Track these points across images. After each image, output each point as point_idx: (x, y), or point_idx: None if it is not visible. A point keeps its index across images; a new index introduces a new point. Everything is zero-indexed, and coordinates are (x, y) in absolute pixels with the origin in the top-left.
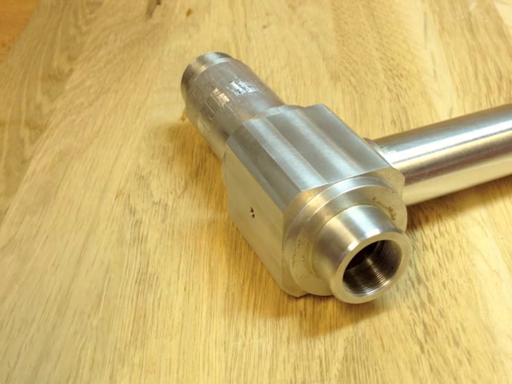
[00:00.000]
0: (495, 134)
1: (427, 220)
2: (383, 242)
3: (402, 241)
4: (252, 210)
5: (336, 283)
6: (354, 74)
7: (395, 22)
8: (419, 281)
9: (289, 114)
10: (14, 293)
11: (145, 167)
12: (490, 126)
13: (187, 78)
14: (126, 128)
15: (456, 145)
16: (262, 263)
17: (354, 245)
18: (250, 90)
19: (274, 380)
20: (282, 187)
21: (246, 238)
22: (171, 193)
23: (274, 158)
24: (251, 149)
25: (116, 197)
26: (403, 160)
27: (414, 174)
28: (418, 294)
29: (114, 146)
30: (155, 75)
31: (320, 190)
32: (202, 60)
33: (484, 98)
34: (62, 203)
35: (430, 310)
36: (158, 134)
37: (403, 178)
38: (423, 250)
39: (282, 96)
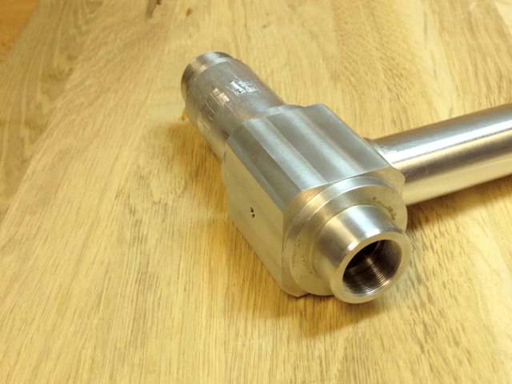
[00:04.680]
0: (495, 133)
1: (427, 220)
2: (383, 241)
3: (402, 240)
4: (252, 210)
5: (336, 283)
6: (353, 74)
7: (395, 22)
8: (419, 281)
9: (289, 113)
10: (14, 292)
11: (145, 167)
12: (489, 126)
13: (187, 78)
14: (126, 128)
15: (456, 145)
16: (262, 263)
17: (354, 245)
18: (250, 90)
19: (273, 380)
20: (281, 187)
21: (245, 237)
22: (171, 193)
23: (274, 157)
24: (251, 148)
25: (116, 197)
26: (403, 160)
27: (414, 174)
28: (418, 293)
29: (114, 145)
30: (155, 75)
31: (320, 189)
32: (202, 60)
33: (484, 98)
34: (61, 203)
35: (430, 310)
36: (158, 134)
37: (403, 178)
38: (423, 250)
39: (282, 96)
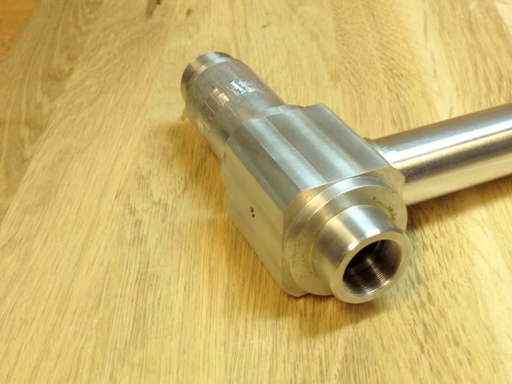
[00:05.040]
0: (495, 133)
1: (427, 220)
2: (383, 241)
3: (402, 240)
4: (252, 210)
5: (336, 283)
6: (353, 74)
7: (395, 22)
8: (419, 281)
9: (289, 113)
10: (14, 292)
11: (145, 167)
12: (489, 126)
13: (187, 78)
14: (126, 128)
15: (456, 145)
16: (261, 263)
17: (354, 245)
18: (250, 90)
19: (273, 380)
20: (281, 187)
21: (245, 237)
22: (171, 192)
23: (274, 157)
24: (251, 148)
25: (116, 196)
26: (403, 160)
27: (414, 174)
28: (418, 293)
29: (114, 145)
30: (155, 75)
31: (320, 189)
32: (202, 60)
33: (484, 98)
34: (61, 203)
35: (430, 310)
36: (158, 134)
37: (403, 178)
38: (423, 250)
39: (282, 96)
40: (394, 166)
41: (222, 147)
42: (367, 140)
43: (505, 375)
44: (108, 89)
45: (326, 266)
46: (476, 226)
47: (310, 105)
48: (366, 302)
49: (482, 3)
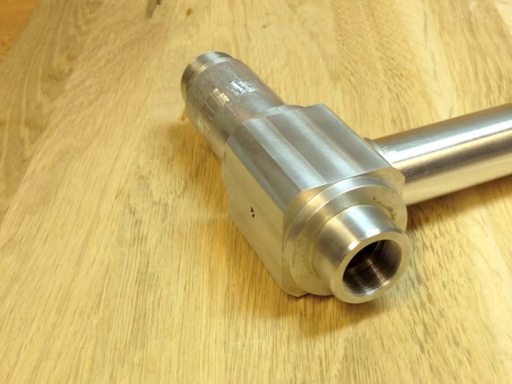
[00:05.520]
0: (495, 133)
1: (427, 220)
2: (383, 241)
3: (402, 241)
4: (252, 210)
5: (336, 283)
6: (353, 74)
7: (395, 22)
8: (419, 281)
9: (289, 113)
10: (14, 292)
11: (145, 167)
12: (489, 126)
13: (187, 78)
14: (126, 128)
15: (456, 145)
16: (262, 263)
17: (354, 244)
18: (250, 90)
19: (273, 380)
20: (281, 187)
21: (246, 237)
22: (171, 193)
23: (274, 157)
24: (251, 148)
25: (116, 196)
26: (403, 160)
27: (414, 174)
28: (418, 293)
29: (114, 145)
30: (155, 75)
31: (320, 189)
32: (202, 60)
33: (484, 98)
34: (61, 203)
35: (430, 310)
36: (158, 134)
37: (403, 178)
38: (423, 250)
39: (282, 96)
40: (394, 166)
41: (222, 147)
42: (367, 140)
43: (505, 375)
44: (108, 89)
45: (326, 266)
46: (476, 225)
47: (310, 105)
48: (366, 302)
49: (482, 3)
